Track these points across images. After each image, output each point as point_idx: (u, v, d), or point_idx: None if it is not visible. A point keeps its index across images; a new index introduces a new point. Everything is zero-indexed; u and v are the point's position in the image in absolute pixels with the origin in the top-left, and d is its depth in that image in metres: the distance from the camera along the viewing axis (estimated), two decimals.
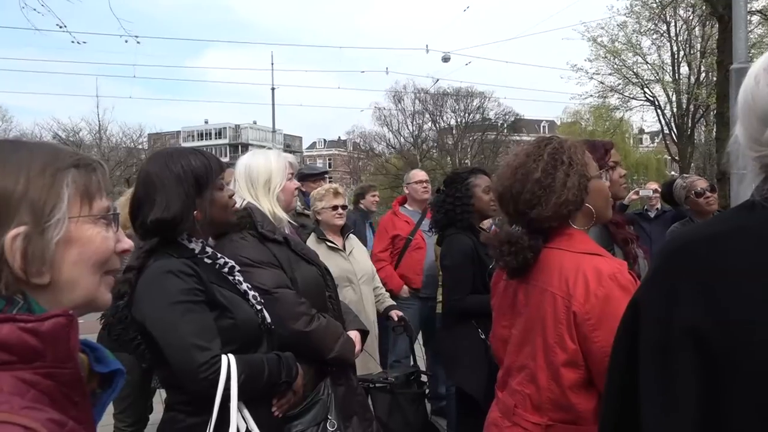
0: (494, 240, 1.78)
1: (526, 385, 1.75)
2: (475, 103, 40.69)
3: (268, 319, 2.00)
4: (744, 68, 8.73)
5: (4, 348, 0.78)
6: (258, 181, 2.39)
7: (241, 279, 1.99)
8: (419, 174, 5.24)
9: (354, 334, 2.48)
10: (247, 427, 1.78)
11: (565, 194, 1.67)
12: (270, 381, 1.87)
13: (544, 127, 58.55)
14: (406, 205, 5.17)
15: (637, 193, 6.23)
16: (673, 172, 35.56)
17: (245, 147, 68.60)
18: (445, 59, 29.36)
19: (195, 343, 1.72)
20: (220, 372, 1.72)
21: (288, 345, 2.03)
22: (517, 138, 47.46)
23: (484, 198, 3.32)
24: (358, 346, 2.48)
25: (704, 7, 19.16)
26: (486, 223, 3.74)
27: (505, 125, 42.67)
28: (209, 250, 1.93)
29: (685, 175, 4.49)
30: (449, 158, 39.73)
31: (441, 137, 40.66)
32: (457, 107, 40.88)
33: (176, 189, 1.81)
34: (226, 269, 1.95)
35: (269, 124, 34.39)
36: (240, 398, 1.76)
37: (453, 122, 41.00)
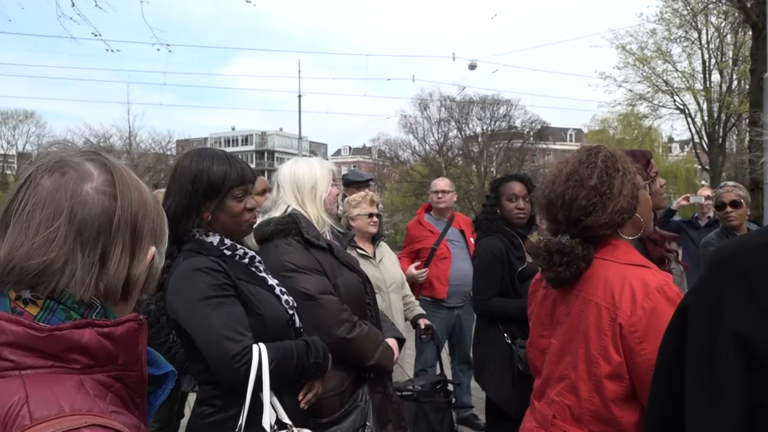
0: (543, 250, 1.77)
1: (565, 396, 1.74)
2: (501, 111, 40.49)
3: (297, 322, 2.03)
4: None
5: (86, 352, 0.82)
6: (305, 187, 2.42)
7: (262, 268, 2.04)
8: (438, 183, 5.22)
9: (392, 342, 2.50)
10: (277, 416, 1.81)
11: (621, 202, 1.67)
12: (300, 364, 1.90)
13: (570, 135, 58.06)
14: (430, 213, 5.17)
15: (687, 199, 6.06)
16: (703, 182, 34.97)
17: (271, 154, 69.20)
18: (472, 67, 29.28)
19: (227, 335, 1.76)
20: (251, 361, 1.76)
21: (330, 351, 2.05)
22: (544, 146, 47.24)
23: (509, 205, 3.35)
24: (396, 354, 2.50)
25: (737, 15, 18.88)
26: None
27: (532, 133, 42.33)
28: (228, 242, 1.97)
29: (728, 183, 4.37)
30: (474, 166, 39.58)
31: (466, 145, 40.52)
32: (483, 115, 40.71)
33: (186, 187, 1.89)
34: (246, 260, 2.00)
35: (295, 131, 34.64)
36: (271, 386, 1.79)
37: (479, 130, 40.82)
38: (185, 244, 1.92)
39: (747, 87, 18.67)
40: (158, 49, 9.65)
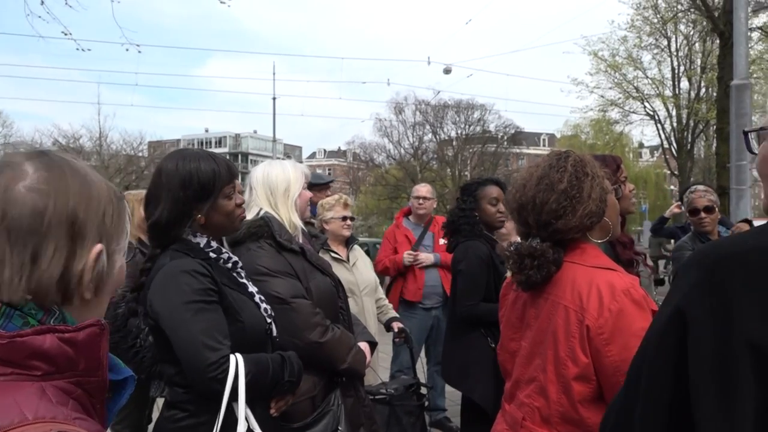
0: (514, 253, 1.78)
1: (535, 398, 1.76)
2: (475, 115, 40.78)
3: (274, 331, 2.03)
4: (744, 84, 8.81)
5: (47, 359, 0.80)
6: (278, 190, 2.41)
7: (243, 274, 2.04)
8: (419, 189, 5.26)
9: (364, 346, 2.50)
10: (248, 427, 1.81)
11: (590, 205, 1.70)
12: (274, 380, 1.90)
13: (543, 139, 58.76)
14: (409, 218, 5.20)
15: (678, 207, 6.21)
16: (672, 187, 35.61)
17: (245, 156, 68.75)
18: (447, 71, 29.52)
19: (206, 342, 1.76)
20: (228, 371, 1.76)
21: (301, 355, 2.05)
22: (517, 150, 47.66)
23: (490, 209, 3.34)
24: (368, 358, 2.50)
25: (705, 24, 19.31)
26: (507, 236, 3.74)
27: (506, 137, 42.77)
28: (214, 244, 1.96)
29: (698, 187, 4.38)
30: (449, 170, 39.78)
31: (441, 149, 40.72)
32: (457, 119, 40.96)
33: (177, 192, 1.87)
34: (229, 264, 1.99)
35: (270, 133, 34.41)
36: (245, 398, 1.79)
37: (453, 134, 41.08)
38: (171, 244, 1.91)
39: (714, 94, 19.06)
40: (127, 49, 9.52)
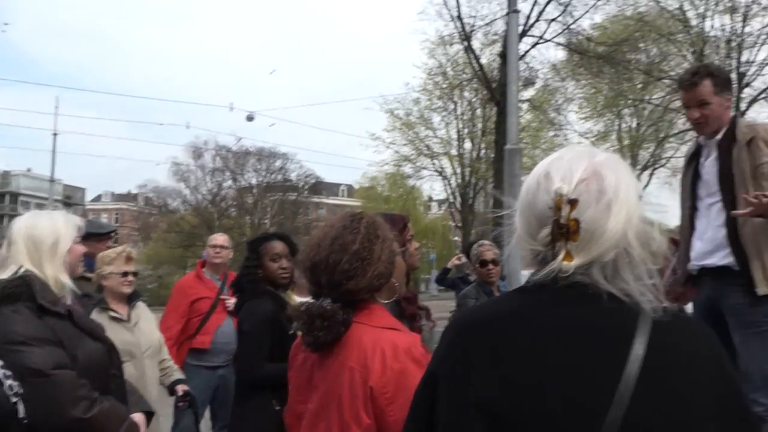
0: (304, 313, 1.75)
1: None
2: (277, 164, 41.09)
3: (21, 412, 1.77)
4: (515, 149, 9.91)
5: None
6: (43, 245, 2.16)
7: None
8: (216, 238, 5.07)
9: (139, 417, 2.27)
10: None
11: (380, 267, 1.74)
12: None
13: (343, 190, 60.67)
14: (204, 269, 4.96)
15: (459, 258, 6.70)
16: (456, 238, 38.70)
17: (14, 196, 61.47)
18: (250, 118, 29.35)
19: None
20: None
21: None
22: (317, 200, 48.66)
23: (272, 266, 3.23)
24: (143, 429, 2.27)
25: (485, 93, 21.61)
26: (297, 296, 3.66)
27: (306, 187, 43.53)
28: None
29: (485, 242, 4.81)
30: (248, 218, 39.28)
31: (240, 196, 40.20)
32: (259, 167, 40.91)
33: None
34: None
35: (47, 172, 31.19)
36: None
37: (254, 181, 40.86)
38: None
39: (492, 156, 21.28)
40: None
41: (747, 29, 21.27)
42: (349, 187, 55.11)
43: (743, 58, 21.33)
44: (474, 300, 4.41)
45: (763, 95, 22.00)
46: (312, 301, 1.80)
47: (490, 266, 4.54)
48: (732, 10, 21.16)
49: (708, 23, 21.68)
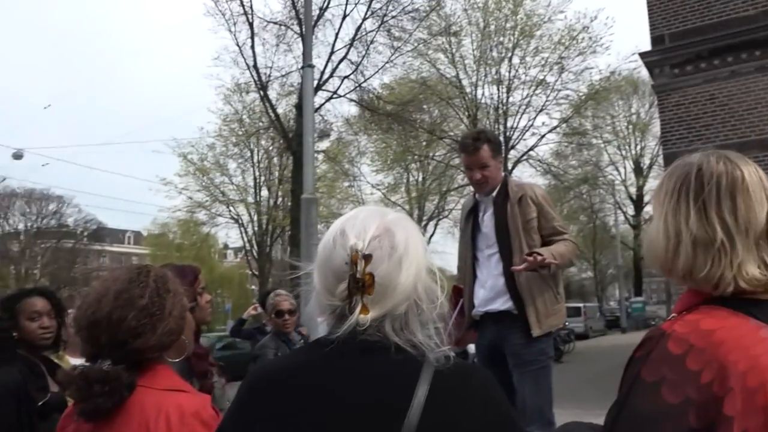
0: (79, 379, 1.57)
1: None
2: (51, 208, 37.22)
3: None
4: (312, 198, 10.15)
5: None
6: None
7: None
8: None
9: None
10: None
11: (170, 323, 1.63)
12: None
13: (129, 237, 56.84)
14: None
15: (255, 308, 6.55)
16: (253, 287, 38.03)
17: None
18: (18, 156, 26.30)
19: None
20: None
21: None
22: (99, 247, 44.93)
23: (31, 326, 2.81)
24: None
25: (282, 142, 21.89)
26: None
27: (86, 233, 40.00)
28: None
29: (281, 291, 4.82)
30: (13, 267, 34.97)
31: (4, 243, 35.66)
32: (28, 210, 36.72)
33: None
34: None
35: None
36: None
37: (21, 226, 36.58)
38: None
39: (289, 204, 21.48)
40: None
41: (511, 99, 24.54)
42: (137, 234, 51.82)
43: (509, 124, 24.49)
44: (274, 350, 4.37)
45: (524, 157, 25.44)
46: (87, 364, 1.63)
47: (286, 316, 4.54)
48: (498, 82, 24.25)
49: (480, 91, 24.62)
